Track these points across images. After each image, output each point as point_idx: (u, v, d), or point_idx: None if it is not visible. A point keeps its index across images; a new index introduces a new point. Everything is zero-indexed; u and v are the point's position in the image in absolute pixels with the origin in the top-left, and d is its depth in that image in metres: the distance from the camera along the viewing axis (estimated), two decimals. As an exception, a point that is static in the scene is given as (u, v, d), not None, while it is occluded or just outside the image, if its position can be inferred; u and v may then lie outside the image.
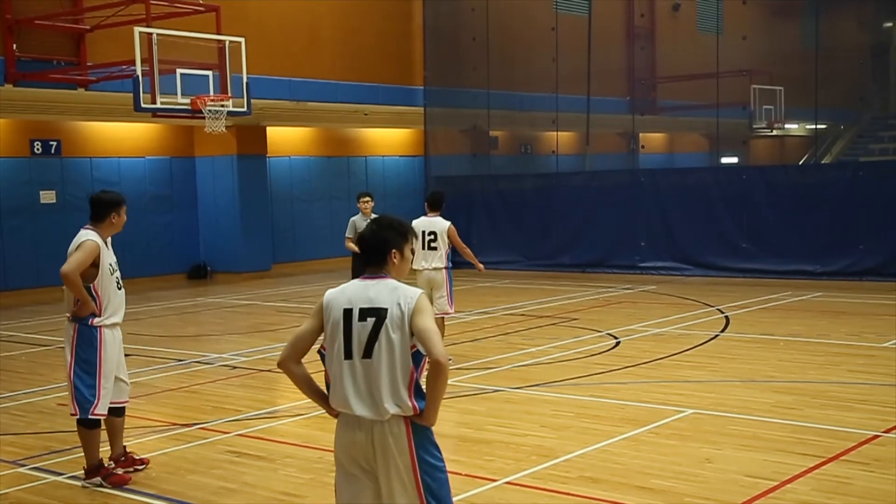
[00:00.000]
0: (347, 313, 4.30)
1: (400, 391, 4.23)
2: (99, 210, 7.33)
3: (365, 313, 4.29)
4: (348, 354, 4.28)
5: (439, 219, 11.59)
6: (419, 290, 4.34)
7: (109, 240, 7.36)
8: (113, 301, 7.20)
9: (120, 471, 7.23)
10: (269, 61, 22.72)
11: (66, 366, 7.12)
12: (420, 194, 27.05)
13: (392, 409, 4.22)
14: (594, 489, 6.67)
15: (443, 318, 11.51)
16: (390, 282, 4.37)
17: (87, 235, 7.21)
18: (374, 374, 4.24)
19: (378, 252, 4.39)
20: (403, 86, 27.17)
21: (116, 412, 7.33)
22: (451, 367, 11.03)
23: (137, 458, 7.47)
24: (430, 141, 26.99)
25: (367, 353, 4.26)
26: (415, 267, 11.58)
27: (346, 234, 13.94)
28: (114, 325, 7.22)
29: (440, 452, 4.34)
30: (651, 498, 6.47)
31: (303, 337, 4.43)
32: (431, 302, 11.30)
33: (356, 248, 12.99)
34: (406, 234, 4.46)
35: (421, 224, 11.51)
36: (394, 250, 4.40)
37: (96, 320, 7.09)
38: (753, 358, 11.29)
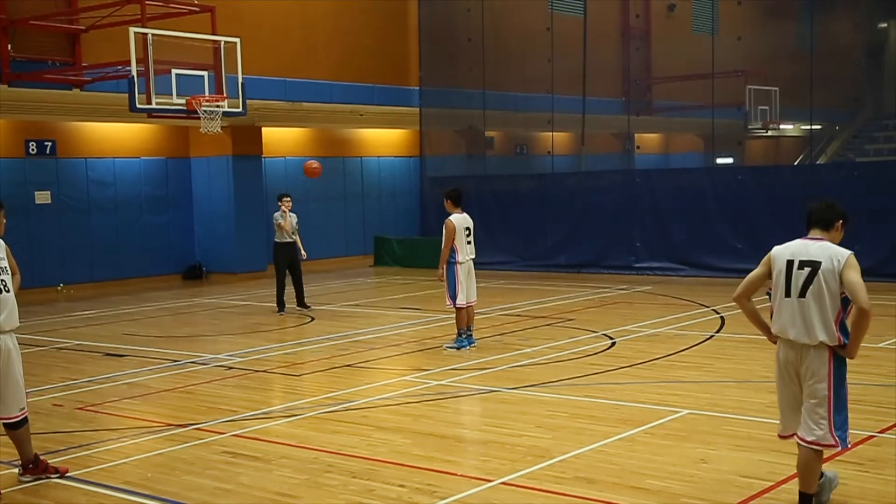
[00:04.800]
0: (790, 263, 5.78)
1: (830, 325, 5.65)
2: None
3: (803, 264, 5.74)
4: (788, 294, 5.76)
5: (467, 215, 12.65)
6: (849, 251, 5.68)
7: None
8: None
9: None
10: (264, 62, 22.72)
11: None
12: (416, 195, 27.14)
13: (822, 337, 5.65)
14: (589, 489, 6.68)
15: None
16: (825, 243, 5.78)
17: None
18: (807, 310, 5.69)
19: (827, 220, 5.86)
20: (399, 86, 27.19)
21: (10, 426, 7.18)
22: (448, 368, 11.08)
23: (52, 466, 7.38)
24: (426, 141, 27.01)
25: (803, 293, 5.70)
26: (460, 259, 11.97)
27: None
28: None
29: (845, 377, 5.75)
30: (646, 498, 6.48)
31: (753, 280, 5.99)
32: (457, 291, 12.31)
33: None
34: (845, 212, 5.91)
35: (464, 221, 12.47)
36: (841, 221, 5.89)
37: None
38: (748, 358, 11.30)
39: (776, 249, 5.90)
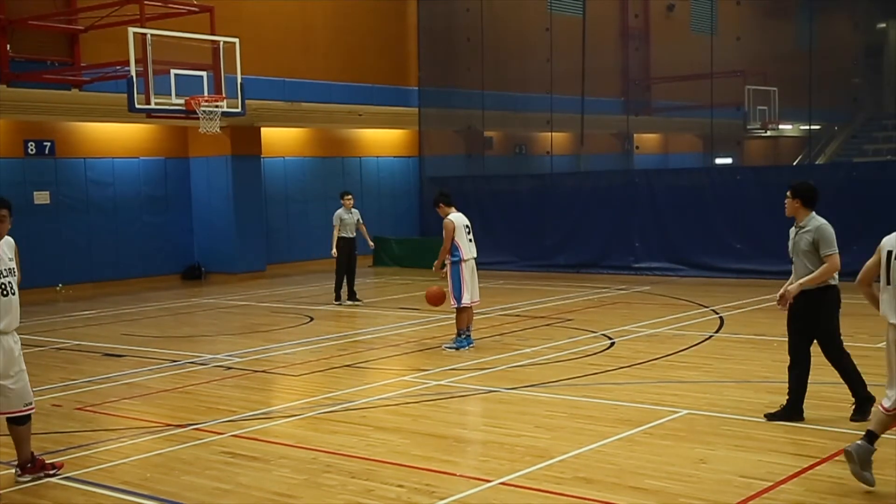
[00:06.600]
0: (889, 254, 6.42)
1: None
2: None
3: None
4: (888, 282, 6.42)
5: (462, 214, 12.64)
6: None
7: (6, 244, 7.23)
8: None
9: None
10: (263, 62, 22.72)
11: None
12: (415, 195, 27.14)
13: None
14: (588, 490, 6.68)
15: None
16: None
17: None
18: None
19: None
20: (398, 86, 27.19)
21: (14, 421, 7.17)
22: (447, 368, 11.08)
23: (48, 462, 7.38)
24: (425, 141, 27.02)
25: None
26: (464, 257, 12.15)
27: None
28: None
29: None
30: (645, 498, 6.48)
31: (870, 267, 6.68)
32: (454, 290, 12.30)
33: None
34: None
35: (463, 219, 12.46)
36: None
37: None
38: (747, 358, 11.31)
39: (885, 239, 6.53)
